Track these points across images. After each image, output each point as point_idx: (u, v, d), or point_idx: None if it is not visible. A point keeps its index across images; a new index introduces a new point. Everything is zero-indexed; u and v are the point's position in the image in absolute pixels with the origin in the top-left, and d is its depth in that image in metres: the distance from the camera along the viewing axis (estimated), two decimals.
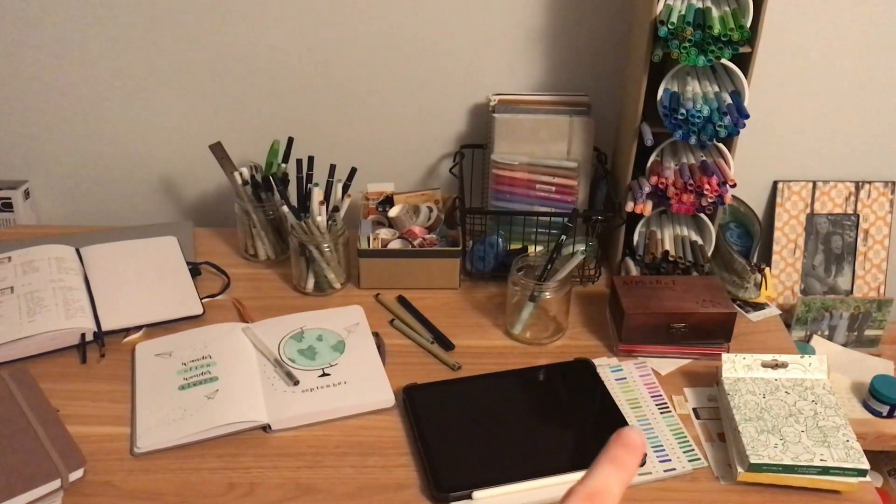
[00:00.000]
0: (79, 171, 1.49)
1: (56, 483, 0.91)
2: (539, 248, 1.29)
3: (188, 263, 1.30)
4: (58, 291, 1.19)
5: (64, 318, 1.14)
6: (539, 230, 1.28)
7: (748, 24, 1.11)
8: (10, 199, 1.45)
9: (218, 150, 1.32)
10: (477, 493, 0.93)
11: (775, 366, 1.07)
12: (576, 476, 0.94)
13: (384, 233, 1.33)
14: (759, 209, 1.50)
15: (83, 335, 1.14)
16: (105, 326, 1.16)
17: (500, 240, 1.29)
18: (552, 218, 1.28)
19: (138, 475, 0.96)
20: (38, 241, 1.31)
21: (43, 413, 1.00)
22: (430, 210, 1.35)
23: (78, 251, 1.29)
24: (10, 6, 1.34)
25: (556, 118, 1.29)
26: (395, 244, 1.31)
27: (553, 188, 1.30)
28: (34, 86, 1.41)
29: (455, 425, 1.03)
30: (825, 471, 0.94)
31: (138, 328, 1.18)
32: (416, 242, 1.30)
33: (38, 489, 0.90)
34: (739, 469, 0.95)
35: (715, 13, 1.13)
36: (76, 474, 0.93)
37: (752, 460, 0.94)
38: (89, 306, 1.19)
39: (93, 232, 1.39)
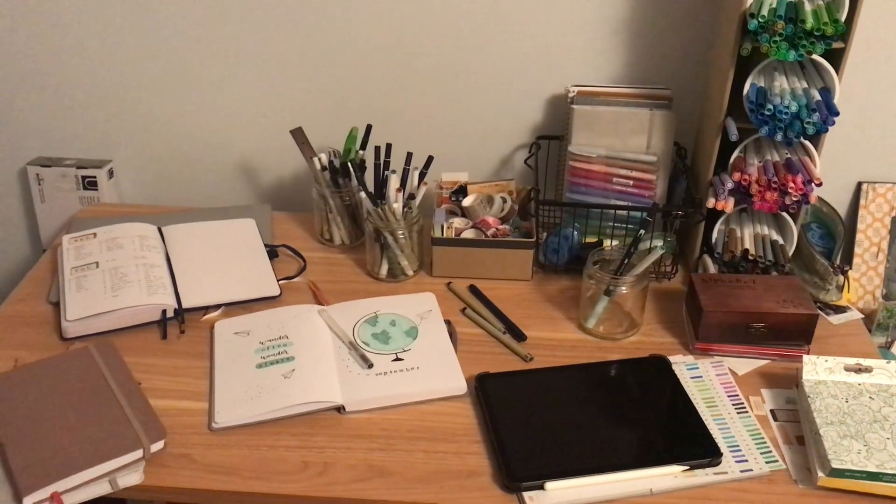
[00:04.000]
0: (161, 152, 1.53)
1: (139, 453, 0.94)
2: (614, 242, 1.28)
3: (266, 246, 1.32)
4: (140, 268, 1.22)
5: (146, 293, 1.17)
6: (615, 224, 1.27)
7: (843, 19, 1.08)
8: (94, 177, 1.49)
9: (299, 135, 1.34)
10: (549, 484, 0.93)
11: (859, 370, 1.04)
12: (649, 472, 0.94)
13: (458, 222, 1.33)
14: (842, 210, 1.46)
15: (164, 311, 1.17)
16: (185, 304, 1.19)
17: (575, 232, 1.28)
18: (629, 212, 1.27)
19: (216, 450, 0.98)
20: (120, 219, 1.35)
21: (126, 385, 1.03)
22: (504, 201, 1.35)
23: (160, 230, 1.33)
24: None
25: (636, 111, 1.28)
26: (469, 233, 1.31)
27: (631, 182, 1.29)
28: (120, 70, 1.45)
29: (527, 415, 1.02)
30: None
31: (217, 307, 1.21)
32: (489, 232, 1.30)
33: (123, 457, 0.93)
34: (820, 473, 0.93)
35: (808, 7, 1.10)
36: (157, 445, 0.96)
37: (835, 465, 0.92)
38: (170, 283, 1.21)
39: (173, 212, 1.43)
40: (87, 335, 1.15)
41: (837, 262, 1.36)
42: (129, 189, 1.57)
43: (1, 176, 1.55)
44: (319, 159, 1.33)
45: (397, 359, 1.11)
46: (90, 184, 1.50)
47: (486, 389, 1.06)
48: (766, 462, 0.97)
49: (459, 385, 1.07)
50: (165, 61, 1.43)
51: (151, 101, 1.48)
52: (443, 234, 1.30)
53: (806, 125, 1.12)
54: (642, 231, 1.16)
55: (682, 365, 1.12)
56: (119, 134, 1.51)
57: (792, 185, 1.16)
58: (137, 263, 1.23)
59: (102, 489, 0.92)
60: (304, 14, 1.37)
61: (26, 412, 0.97)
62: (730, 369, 1.12)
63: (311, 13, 1.37)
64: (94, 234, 1.29)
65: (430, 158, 1.28)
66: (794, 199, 1.18)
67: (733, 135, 1.17)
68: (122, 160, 1.54)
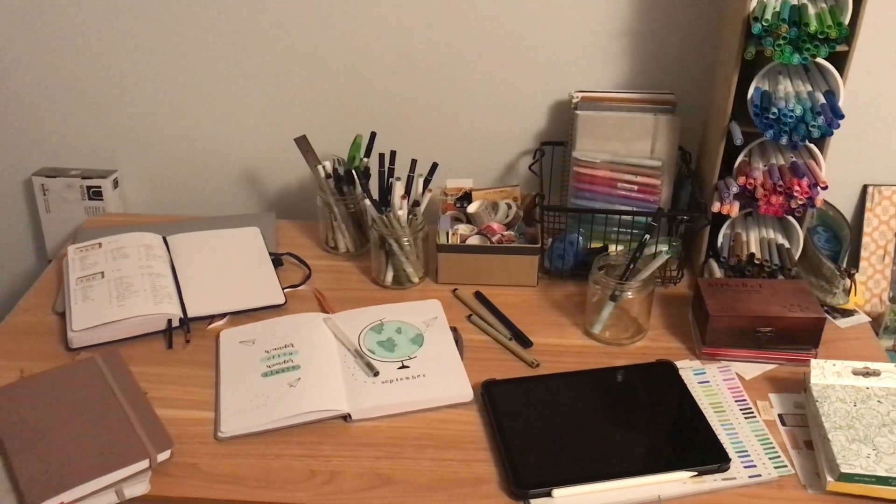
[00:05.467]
0: (166, 161, 1.53)
1: (145, 463, 0.94)
2: (620, 247, 1.28)
3: (271, 254, 1.32)
4: (146, 277, 1.22)
5: (152, 303, 1.17)
6: (620, 229, 1.27)
7: (846, 22, 1.08)
8: (100, 187, 1.50)
9: (303, 143, 1.34)
10: (556, 492, 0.92)
11: (867, 374, 1.04)
12: (657, 478, 0.93)
13: (463, 228, 1.33)
14: (848, 213, 1.45)
15: (170, 321, 1.17)
16: (191, 313, 1.19)
17: (580, 238, 1.28)
18: (634, 217, 1.26)
19: (222, 459, 0.98)
20: (126, 228, 1.35)
21: (132, 395, 1.03)
22: (509, 207, 1.35)
23: (165, 239, 1.33)
24: (100, 3, 1.38)
25: (640, 116, 1.28)
26: (474, 240, 1.31)
27: (635, 187, 1.28)
28: (125, 80, 1.45)
29: (534, 422, 1.02)
30: None
31: (222, 315, 1.21)
32: (494, 239, 1.30)
33: (129, 468, 0.92)
34: (829, 478, 0.92)
35: (811, 10, 1.10)
36: (163, 455, 0.96)
37: (844, 470, 0.91)
38: (176, 293, 1.21)
39: (178, 221, 1.43)
40: (92, 345, 1.15)
41: (844, 265, 1.35)
42: (133, 199, 1.57)
43: (6, 187, 1.56)
44: (324, 167, 1.33)
45: (403, 366, 1.10)
46: (95, 194, 1.50)
47: (492, 396, 1.05)
48: (775, 467, 0.96)
49: (466, 392, 1.07)
50: (170, 71, 1.44)
51: (156, 110, 1.48)
52: (448, 241, 1.30)
53: (811, 128, 1.12)
54: (647, 236, 1.16)
55: (689, 370, 1.11)
56: (124, 144, 1.52)
57: (797, 188, 1.16)
58: (143, 273, 1.23)
59: (109, 499, 0.92)
60: (309, 22, 1.37)
61: (32, 423, 0.97)
62: (737, 374, 1.11)
63: (315, 21, 1.37)
64: (100, 244, 1.29)
65: (435, 165, 1.28)
66: (800, 202, 1.17)
67: (738, 139, 1.16)
68: (127, 170, 1.54)
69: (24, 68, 1.45)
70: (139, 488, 0.93)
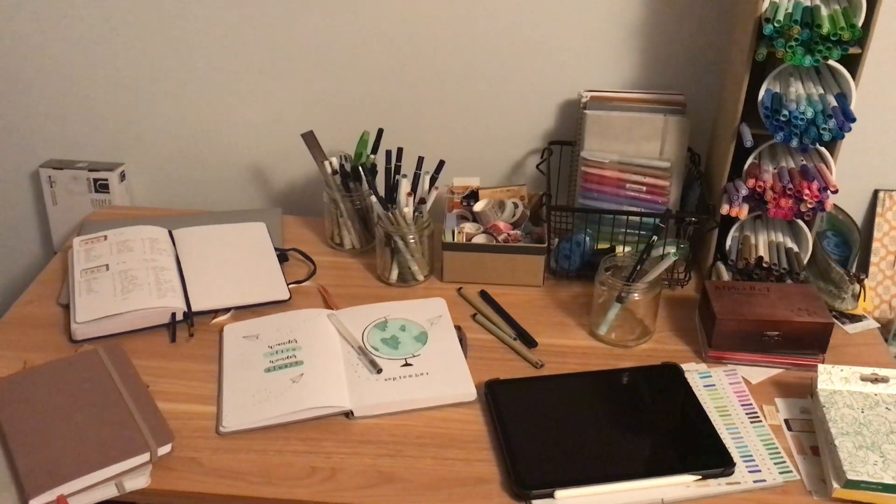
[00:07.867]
0: (172, 155, 1.53)
1: (145, 456, 0.93)
2: (627, 248, 1.27)
3: (276, 249, 1.32)
4: (150, 271, 1.21)
5: (156, 296, 1.17)
6: (628, 230, 1.26)
7: (860, 24, 1.07)
8: (106, 180, 1.49)
9: (310, 138, 1.34)
10: (559, 493, 0.91)
11: (875, 380, 1.03)
12: (661, 481, 0.93)
13: (469, 227, 1.32)
14: (858, 218, 1.44)
15: (174, 314, 1.17)
16: (195, 307, 1.19)
17: (587, 238, 1.27)
18: (642, 218, 1.25)
19: (223, 454, 0.98)
20: (131, 221, 1.35)
21: (134, 388, 1.02)
22: (516, 206, 1.34)
23: (170, 233, 1.32)
24: None
25: (649, 116, 1.27)
26: (480, 239, 1.30)
27: (644, 188, 1.28)
28: (133, 73, 1.45)
29: (537, 423, 1.01)
30: None
31: (226, 310, 1.21)
32: (500, 238, 1.29)
33: (129, 461, 0.92)
34: (835, 485, 0.91)
35: (824, 11, 1.09)
36: (164, 449, 0.95)
37: (850, 476, 0.90)
38: (180, 286, 1.21)
39: (184, 215, 1.43)
40: (96, 337, 1.14)
41: (853, 270, 1.34)
42: (140, 192, 1.57)
43: (14, 178, 1.56)
44: (330, 163, 1.32)
45: (406, 364, 1.10)
46: (102, 186, 1.50)
47: (496, 396, 1.05)
48: (780, 472, 0.95)
49: (469, 391, 1.06)
50: (177, 65, 1.43)
51: (163, 104, 1.48)
52: (454, 239, 1.29)
53: (822, 131, 1.11)
54: (655, 237, 1.15)
55: (695, 373, 1.10)
56: (131, 137, 1.52)
57: (807, 192, 1.15)
58: (147, 266, 1.22)
59: (109, 492, 0.92)
60: (317, 18, 1.37)
61: (34, 414, 0.97)
62: (743, 378, 1.10)
63: (323, 18, 1.37)
64: (105, 237, 1.29)
65: (442, 163, 1.27)
66: (810, 206, 1.16)
67: (748, 141, 1.15)
68: (134, 163, 1.54)
69: (33, 62, 1.45)
70: (139, 482, 0.93)
